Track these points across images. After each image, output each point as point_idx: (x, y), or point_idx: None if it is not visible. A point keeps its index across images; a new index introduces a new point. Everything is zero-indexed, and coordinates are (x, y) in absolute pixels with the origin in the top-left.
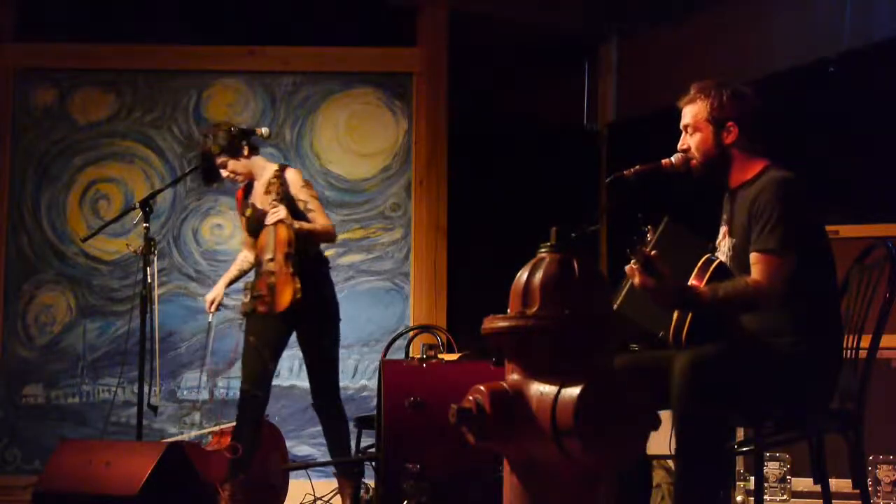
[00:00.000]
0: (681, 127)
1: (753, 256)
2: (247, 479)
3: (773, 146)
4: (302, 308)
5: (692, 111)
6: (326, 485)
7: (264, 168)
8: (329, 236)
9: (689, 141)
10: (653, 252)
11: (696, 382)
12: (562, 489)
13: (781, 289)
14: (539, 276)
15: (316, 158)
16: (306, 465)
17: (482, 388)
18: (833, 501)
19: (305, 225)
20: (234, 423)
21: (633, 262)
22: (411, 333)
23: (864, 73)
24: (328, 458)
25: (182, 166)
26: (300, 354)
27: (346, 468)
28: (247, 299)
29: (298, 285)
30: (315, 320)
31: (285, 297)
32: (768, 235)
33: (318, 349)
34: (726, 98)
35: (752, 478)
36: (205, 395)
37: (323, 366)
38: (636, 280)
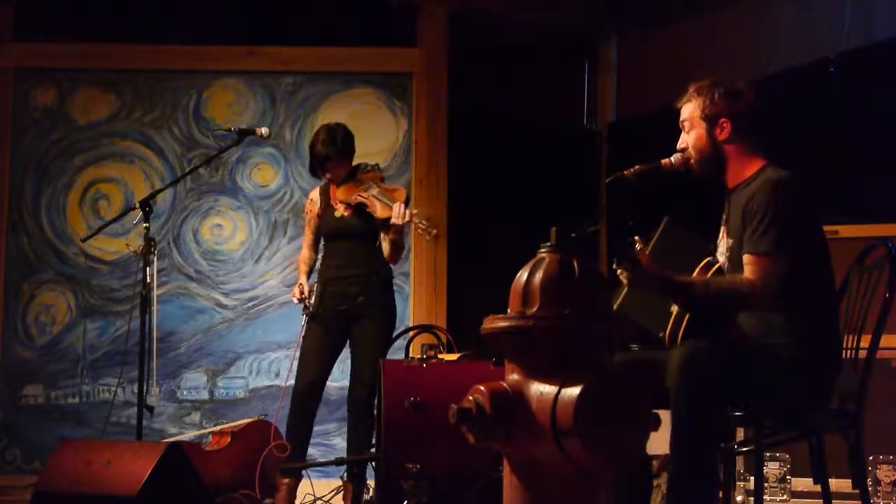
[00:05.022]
0: (679, 125)
1: (746, 258)
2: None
3: (772, 146)
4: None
5: (688, 110)
6: (326, 485)
7: None
8: None
9: (686, 139)
10: (640, 245)
11: (692, 373)
12: (562, 489)
13: (773, 290)
14: (539, 276)
15: None
16: (306, 465)
17: (482, 388)
18: (833, 501)
19: None
20: (233, 424)
21: (620, 271)
22: (411, 333)
23: (864, 73)
24: (328, 458)
25: (182, 166)
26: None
27: (347, 468)
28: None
29: None
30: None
31: None
32: (760, 237)
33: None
34: (718, 96)
35: (752, 478)
36: (205, 395)
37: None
38: (626, 279)
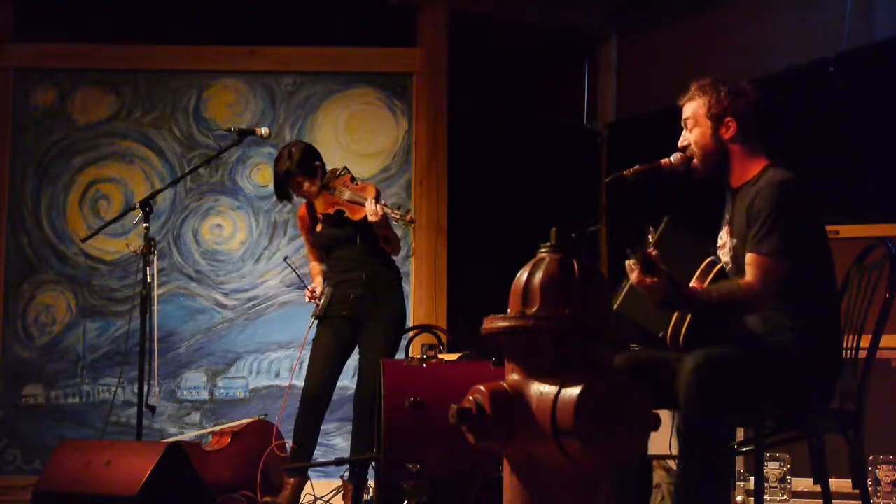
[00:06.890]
0: (681, 123)
1: (748, 258)
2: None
3: (773, 146)
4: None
5: (692, 107)
6: (326, 485)
7: None
8: None
9: (689, 136)
10: (654, 251)
11: (706, 384)
12: (562, 489)
13: (774, 292)
14: (539, 276)
15: None
16: (306, 465)
17: (482, 388)
18: (833, 501)
19: None
20: (233, 424)
21: (631, 259)
22: (411, 333)
23: (864, 73)
24: (328, 458)
25: (182, 166)
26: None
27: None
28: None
29: None
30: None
31: None
32: (764, 238)
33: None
34: (724, 94)
35: (752, 478)
36: (205, 395)
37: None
38: (633, 276)
